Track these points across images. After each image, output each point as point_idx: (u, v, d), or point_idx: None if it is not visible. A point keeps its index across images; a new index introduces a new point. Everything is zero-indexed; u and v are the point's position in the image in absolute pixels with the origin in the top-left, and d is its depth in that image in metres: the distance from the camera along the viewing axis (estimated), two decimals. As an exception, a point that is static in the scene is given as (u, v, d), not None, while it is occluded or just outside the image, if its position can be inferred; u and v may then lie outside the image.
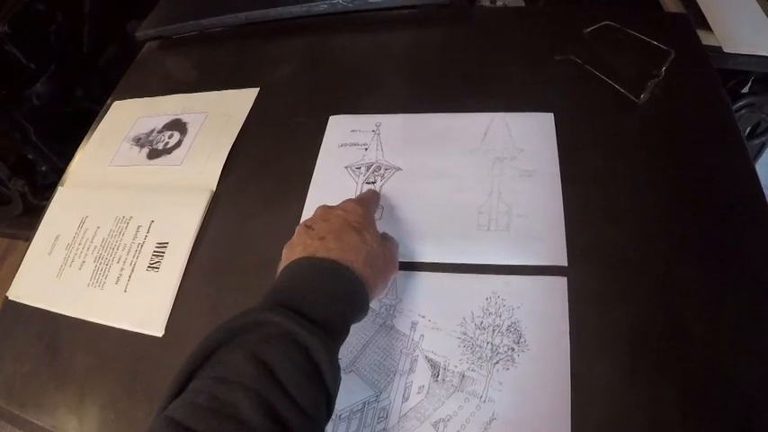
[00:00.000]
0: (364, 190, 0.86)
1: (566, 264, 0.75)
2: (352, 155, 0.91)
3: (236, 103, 1.04)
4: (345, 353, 0.74)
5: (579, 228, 0.78)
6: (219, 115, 1.03)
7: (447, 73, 1.00)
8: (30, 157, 2.01)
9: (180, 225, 0.91)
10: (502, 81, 0.96)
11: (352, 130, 0.94)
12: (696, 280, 0.71)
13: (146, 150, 1.04)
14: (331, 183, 0.89)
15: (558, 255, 0.76)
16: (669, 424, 0.62)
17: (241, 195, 0.92)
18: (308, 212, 0.86)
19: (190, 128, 1.03)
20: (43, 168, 2.01)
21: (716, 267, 0.72)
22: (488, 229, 0.79)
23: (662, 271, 0.73)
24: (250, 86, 1.06)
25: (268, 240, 0.84)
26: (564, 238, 0.77)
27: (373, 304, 0.76)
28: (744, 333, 0.66)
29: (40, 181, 2.04)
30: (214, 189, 0.92)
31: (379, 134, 0.92)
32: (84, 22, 1.97)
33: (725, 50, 1.06)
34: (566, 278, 0.74)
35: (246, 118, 1.00)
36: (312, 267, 0.62)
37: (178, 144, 1.02)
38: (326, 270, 0.61)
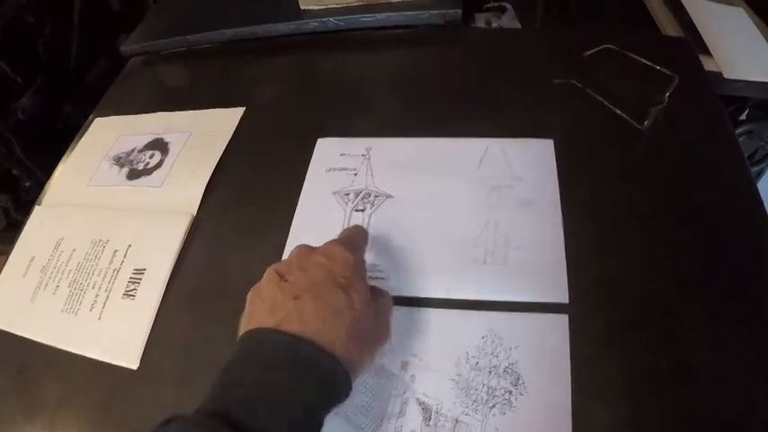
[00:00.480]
0: (352, 219, 0.80)
1: (566, 300, 0.70)
2: (340, 180, 0.85)
3: (221, 123, 0.98)
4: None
5: (580, 262, 0.73)
6: (203, 135, 0.97)
7: (441, 96, 0.94)
8: (14, 172, 1.94)
9: (158, 250, 0.85)
10: (499, 105, 0.91)
11: (341, 154, 0.88)
12: (703, 319, 0.67)
13: (125, 170, 0.98)
14: (317, 209, 0.83)
15: (558, 291, 0.71)
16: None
17: (223, 220, 0.86)
18: (292, 242, 0.80)
19: (172, 147, 0.97)
20: (27, 184, 1.94)
21: (723, 306, 0.67)
22: (485, 263, 0.74)
23: (667, 308, 0.68)
24: (236, 105, 1.00)
25: (250, 269, 0.78)
26: (565, 272, 0.72)
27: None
28: (753, 378, 0.62)
29: (24, 197, 1.97)
30: (195, 213, 0.86)
31: (369, 159, 0.87)
32: (72, 35, 1.91)
33: (725, 76, 1.02)
34: (567, 315, 0.69)
35: (231, 138, 0.95)
36: (278, 350, 0.50)
37: (159, 164, 0.96)
38: (297, 360, 0.49)
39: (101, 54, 2.04)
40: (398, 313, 0.71)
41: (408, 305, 0.72)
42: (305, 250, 0.60)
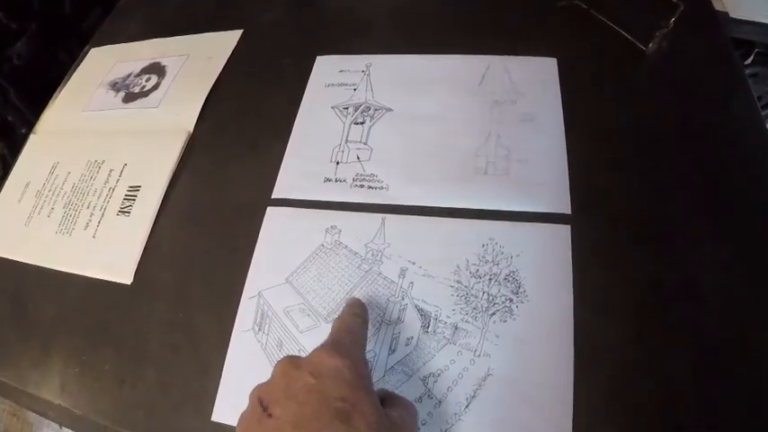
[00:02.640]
0: (352, 131, 0.75)
1: (569, 211, 0.65)
2: (339, 95, 0.80)
3: (219, 46, 0.93)
4: (327, 301, 0.64)
5: (583, 176, 0.67)
6: (200, 58, 0.92)
7: (443, 15, 0.88)
8: (9, 119, 1.87)
9: (153, 168, 0.80)
10: (501, 24, 0.85)
11: (341, 71, 0.83)
12: (707, 237, 0.62)
13: (122, 94, 0.92)
14: (316, 123, 0.78)
15: (560, 202, 0.66)
16: (677, 385, 0.55)
17: (220, 137, 0.81)
18: (290, 155, 0.76)
19: (168, 70, 0.92)
20: (23, 131, 1.87)
21: (728, 225, 0.63)
22: (486, 173, 0.69)
23: (671, 227, 0.63)
24: (234, 28, 0.95)
25: (246, 183, 0.74)
26: (567, 184, 0.67)
27: (358, 248, 0.66)
28: (758, 295, 0.58)
29: (20, 144, 1.89)
30: (191, 130, 0.81)
31: (368, 75, 0.81)
32: (66, -19, 1.82)
33: (731, 16, 0.96)
34: (569, 227, 0.64)
35: (229, 60, 0.89)
36: None
37: (156, 87, 0.91)
38: None
39: (96, 2, 1.96)
40: (397, 222, 0.67)
41: (407, 213, 0.68)
42: (289, 366, 0.44)
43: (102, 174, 0.82)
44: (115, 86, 0.95)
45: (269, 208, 0.71)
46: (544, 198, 0.66)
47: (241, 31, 0.94)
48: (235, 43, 0.92)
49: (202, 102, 0.85)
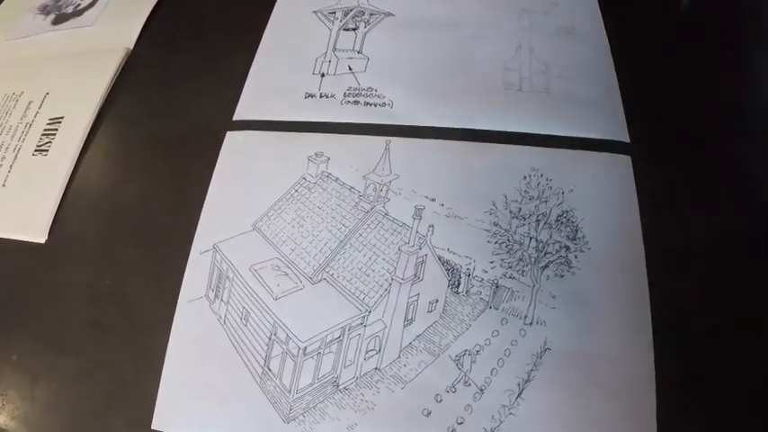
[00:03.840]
0: (341, 39, 0.53)
1: (627, 139, 0.45)
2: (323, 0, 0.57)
3: None
4: (311, 253, 0.41)
5: (639, 99, 0.48)
6: None
7: None
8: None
9: (80, 95, 0.57)
10: None
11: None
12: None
13: (51, 17, 0.69)
14: (293, 30, 0.55)
15: (616, 127, 0.46)
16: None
17: (168, 53, 0.58)
18: (258, 70, 0.53)
19: None
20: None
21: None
22: (520, 90, 0.48)
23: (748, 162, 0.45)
24: None
25: (198, 106, 0.52)
26: (620, 105, 0.47)
27: (354, 180, 0.43)
28: None
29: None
30: (131, 47, 0.59)
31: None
32: None
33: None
34: (629, 157, 0.44)
35: None
36: None
37: (92, 4, 0.67)
38: None
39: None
40: (407, 146, 0.45)
41: (419, 136, 0.45)
42: None
43: (19, 108, 0.59)
44: (45, 9, 0.71)
45: (229, 133, 0.48)
46: (595, 122, 0.46)
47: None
48: None
49: (147, 12, 0.61)
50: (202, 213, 0.44)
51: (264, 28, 0.54)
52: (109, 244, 0.47)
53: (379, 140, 0.45)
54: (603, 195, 0.42)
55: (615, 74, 0.49)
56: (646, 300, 0.38)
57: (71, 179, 0.51)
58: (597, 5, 0.54)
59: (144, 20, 0.60)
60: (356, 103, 0.48)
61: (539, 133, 0.45)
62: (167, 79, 0.54)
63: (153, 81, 0.55)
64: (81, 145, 0.52)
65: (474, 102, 0.47)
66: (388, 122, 0.46)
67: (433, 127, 0.46)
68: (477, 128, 0.45)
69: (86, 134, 0.53)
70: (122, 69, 0.56)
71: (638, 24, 0.52)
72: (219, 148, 0.47)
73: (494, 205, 0.41)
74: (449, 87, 0.48)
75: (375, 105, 0.47)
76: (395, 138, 0.45)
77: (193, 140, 0.49)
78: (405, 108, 0.47)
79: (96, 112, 0.54)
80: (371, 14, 0.54)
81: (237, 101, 0.50)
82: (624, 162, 0.44)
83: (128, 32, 0.60)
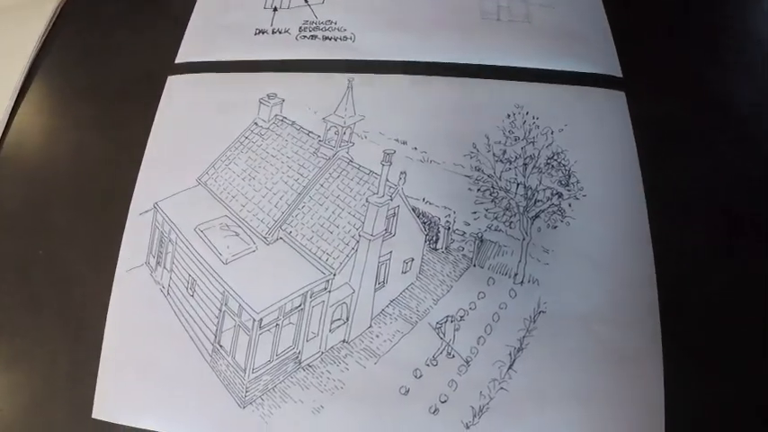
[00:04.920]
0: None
1: (619, 74, 0.36)
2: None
3: None
4: (268, 209, 0.32)
5: (630, 28, 0.39)
6: None
7: None
8: None
9: (9, 51, 0.45)
10: None
11: None
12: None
13: None
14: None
15: (607, 60, 0.37)
16: None
17: (96, 20, 0.45)
18: (203, 6, 0.41)
19: None
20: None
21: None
22: (498, 20, 0.38)
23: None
24: None
25: (136, 50, 0.41)
26: (611, 38, 0.38)
27: (313, 124, 0.34)
28: None
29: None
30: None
31: None
32: None
33: None
34: (623, 93, 0.35)
35: None
36: None
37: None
38: None
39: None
40: (372, 84, 0.35)
41: (386, 72, 0.35)
42: None
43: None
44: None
45: (170, 77, 0.37)
46: (585, 54, 0.37)
47: None
48: None
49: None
50: (141, 169, 0.35)
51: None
52: (41, 210, 0.37)
53: (341, 78, 0.35)
54: (597, 135, 0.34)
55: (602, 4, 0.39)
56: (649, 251, 0.30)
57: (0, 141, 0.40)
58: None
59: None
60: (313, 37, 0.38)
61: (522, 67, 0.36)
62: (103, 23, 0.43)
63: (87, 27, 0.44)
64: (11, 105, 0.41)
65: (447, 33, 0.37)
66: (351, 57, 0.36)
67: (401, 61, 0.36)
68: (452, 61, 0.36)
69: (16, 93, 0.42)
70: (57, 15, 0.45)
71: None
72: (159, 96, 0.37)
73: (474, 148, 0.32)
74: (418, 17, 0.38)
75: (335, 39, 0.37)
76: (358, 75, 0.35)
77: (130, 89, 0.38)
78: (369, 41, 0.37)
79: (27, 69, 0.42)
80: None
81: (180, 42, 0.39)
82: (617, 98, 0.35)
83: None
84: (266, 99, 0.35)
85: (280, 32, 0.38)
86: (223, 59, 0.38)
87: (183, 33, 0.40)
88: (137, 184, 0.34)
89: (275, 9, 0.39)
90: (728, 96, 0.36)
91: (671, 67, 0.37)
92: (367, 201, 0.31)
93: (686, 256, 0.31)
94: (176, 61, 0.39)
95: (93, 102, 0.39)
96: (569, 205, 0.31)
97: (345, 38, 0.37)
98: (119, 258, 0.33)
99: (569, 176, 0.32)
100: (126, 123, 0.38)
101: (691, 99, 0.36)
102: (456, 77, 0.35)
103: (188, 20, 0.40)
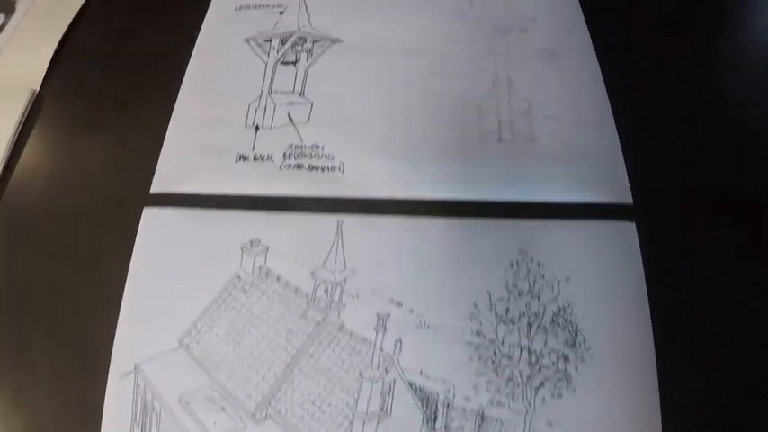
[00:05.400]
0: (279, 75, 0.39)
1: (630, 200, 0.34)
2: (257, 21, 0.43)
3: None
4: (255, 381, 0.30)
5: (640, 141, 0.36)
6: None
7: None
8: None
9: None
10: None
11: (259, -15, 0.45)
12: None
13: None
14: (220, 65, 0.41)
15: (617, 184, 0.35)
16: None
17: (77, 94, 0.43)
18: (180, 115, 0.39)
19: (19, 5, 0.53)
20: None
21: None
22: (500, 140, 0.35)
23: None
24: None
25: (109, 169, 0.37)
26: (621, 155, 0.35)
27: (301, 279, 0.32)
28: None
29: None
30: (37, 89, 0.44)
31: (301, -10, 0.44)
32: None
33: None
34: (633, 224, 0.33)
35: None
36: None
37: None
38: None
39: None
40: (363, 228, 0.32)
41: (376, 212, 0.33)
42: None
43: None
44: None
45: (146, 210, 0.34)
46: (592, 179, 0.35)
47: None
48: None
49: (54, 48, 0.45)
50: (119, 323, 0.32)
51: (188, 63, 0.40)
52: (18, 352, 0.34)
53: (330, 220, 0.33)
54: (605, 280, 0.31)
55: (611, 110, 0.36)
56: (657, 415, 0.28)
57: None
58: (582, 18, 0.41)
59: (51, 55, 0.44)
60: (299, 167, 0.35)
61: (526, 201, 0.33)
62: (76, 128, 0.40)
63: (60, 129, 0.40)
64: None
65: (444, 161, 0.35)
66: (340, 194, 0.34)
67: (394, 200, 0.33)
68: (451, 197, 0.33)
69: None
70: (24, 119, 0.41)
71: (626, 46, 0.40)
72: (136, 231, 0.34)
73: (475, 307, 0.30)
74: (411, 141, 0.36)
75: (322, 170, 0.34)
76: (348, 216, 0.33)
77: (105, 219, 0.35)
78: (359, 174, 0.34)
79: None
80: (315, 42, 0.40)
81: (155, 164, 0.36)
82: (627, 231, 0.32)
83: (34, 70, 0.44)
84: (249, 247, 0.32)
85: (262, 159, 0.35)
86: (202, 192, 0.35)
87: (159, 153, 0.37)
88: (115, 340, 0.32)
89: (257, 128, 0.36)
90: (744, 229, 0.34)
91: (685, 194, 0.35)
92: (360, 374, 0.29)
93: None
94: (152, 190, 0.35)
95: (65, 232, 0.36)
96: (576, 368, 0.29)
97: (333, 168, 0.34)
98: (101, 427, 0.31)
99: (576, 335, 0.30)
100: (101, 258, 0.35)
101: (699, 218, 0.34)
102: (454, 218, 0.33)
103: (164, 135, 0.37)
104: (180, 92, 0.39)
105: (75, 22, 0.47)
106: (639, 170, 0.35)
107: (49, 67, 0.44)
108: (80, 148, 0.39)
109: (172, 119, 0.38)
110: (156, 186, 0.35)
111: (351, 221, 0.33)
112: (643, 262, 0.32)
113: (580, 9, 0.42)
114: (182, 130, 0.37)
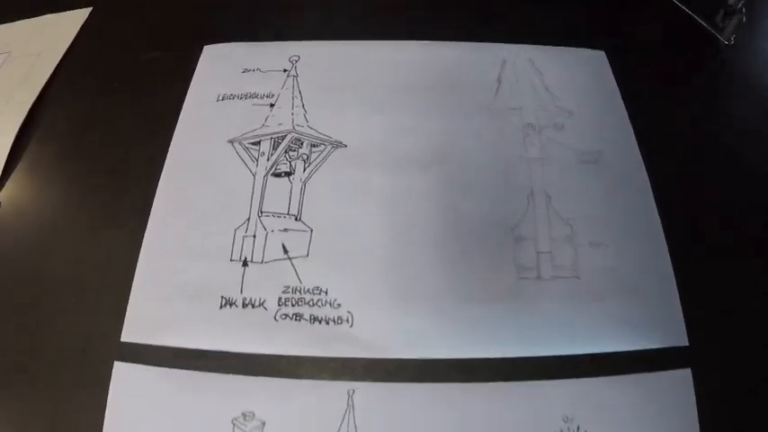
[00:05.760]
0: (269, 192, 0.33)
1: (686, 341, 0.29)
2: (243, 116, 0.36)
3: (53, 35, 0.50)
4: None
5: (692, 267, 0.32)
6: (25, 56, 0.49)
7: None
8: None
9: None
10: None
11: (245, 70, 0.39)
12: None
13: None
14: (200, 174, 0.34)
15: (671, 324, 0.30)
16: None
17: (38, 202, 0.36)
18: (151, 248, 0.32)
19: None
20: None
21: None
22: (539, 277, 0.29)
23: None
24: (80, 6, 0.50)
25: (71, 308, 0.30)
26: (675, 287, 0.30)
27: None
28: None
29: None
30: None
31: (296, 77, 0.38)
32: None
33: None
34: (689, 370, 0.28)
35: (64, 57, 0.45)
36: None
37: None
38: None
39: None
40: (380, 398, 0.26)
41: (394, 378, 0.27)
42: None
43: None
44: None
45: (116, 363, 0.28)
46: (645, 320, 0.30)
47: (89, 10, 0.48)
48: (76, 30, 0.48)
49: (12, 139, 0.39)
50: None
51: (161, 168, 0.34)
52: None
53: (338, 389, 0.26)
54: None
55: (663, 233, 0.31)
56: None
57: None
58: (626, 115, 0.35)
59: (7, 151, 0.37)
60: (298, 317, 0.28)
61: (570, 355, 0.27)
62: (38, 247, 0.33)
63: (18, 246, 0.34)
64: None
65: (473, 310, 0.29)
66: (349, 354, 0.27)
67: (416, 360, 0.27)
68: (480, 356, 0.27)
69: None
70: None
71: (671, 146, 0.34)
72: (107, 387, 0.27)
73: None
74: (433, 282, 0.30)
75: (327, 322, 0.28)
76: (360, 384, 0.26)
77: (70, 371, 0.29)
78: (372, 328, 0.28)
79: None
80: (313, 146, 0.34)
81: (125, 305, 0.30)
82: (682, 381, 0.27)
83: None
84: (241, 421, 0.26)
85: (253, 305, 0.28)
86: (181, 346, 0.28)
87: (129, 292, 0.30)
88: None
89: (245, 263, 0.30)
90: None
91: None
92: None
93: None
94: (122, 338, 0.29)
95: (28, 386, 0.30)
96: None
97: (340, 319, 0.28)
98: None
99: None
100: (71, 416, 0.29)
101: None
102: (489, 382, 0.27)
103: (135, 266, 0.31)
104: (152, 212, 0.32)
105: (42, 97, 0.41)
106: (695, 306, 0.30)
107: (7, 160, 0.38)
108: (40, 262, 0.33)
109: (142, 248, 0.31)
110: (128, 334, 0.29)
111: (364, 390, 0.26)
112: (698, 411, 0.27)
113: (623, 103, 0.37)
114: (154, 263, 0.31)
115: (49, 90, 0.42)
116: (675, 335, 0.29)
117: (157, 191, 0.33)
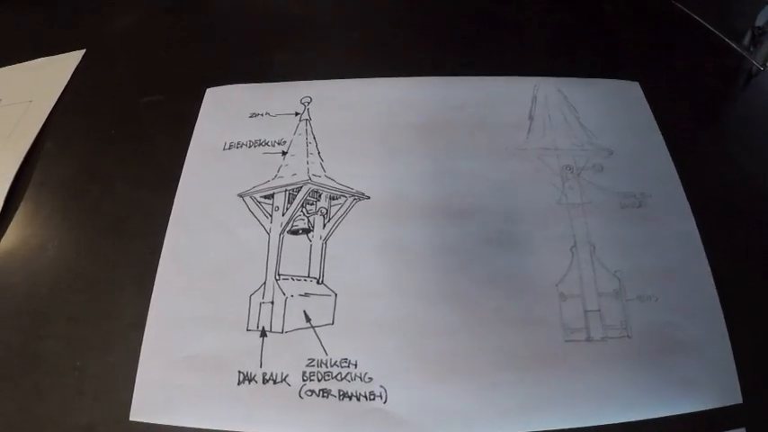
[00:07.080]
0: (286, 252, 0.31)
1: (740, 399, 0.28)
2: (255, 167, 0.35)
3: (45, 80, 0.49)
4: None
5: (744, 317, 0.30)
6: (17, 102, 0.48)
7: (440, 10, 0.45)
8: None
9: None
10: (540, 31, 0.43)
11: (253, 115, 0.37)
12: None
13: None
14: (208, 233, 0.32)
15: (727, 382, 0.28)
16: None
17: (30, 266, 0.34)
18: (159, 317, 0.30)
19: None
20: None
21: None
22: (588, 339, 0.27)
23: None
24: (73, 48, 0.49)
25: (73, 383, 0.28)
26: (728, 339, 0.29)
27: None
28: None
29: None
30: None
31: (309, 120, 0.37)
32: None
33: None
34: (743, 429, 0.27)
35: (57, 103, 0.44)
36: None
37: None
38: None
39: None
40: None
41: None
42: None
43: None
44: None
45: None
46: (699, 379, 0.28)
47: (82, 52, 0.47)
48: (70, 74, 0.47)
49: (4, 195, 0.37)
50: None
51: (167, 224, 0.32)
52: None
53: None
54: None
55: (713, 281, 0.29)
56: None
57: None
58: (666, 151, 0.34)
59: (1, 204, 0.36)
60: (325, 393, 0.26)
61: (622, 423, 0.25)
62: (31, 322, 0.31)
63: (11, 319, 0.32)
64: None
65: (517, 382, 0.27)
66: (383, 434, 0.25)
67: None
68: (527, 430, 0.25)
69: None
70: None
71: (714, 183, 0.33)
72: None
73: None
74: (472, 350, 0.27)
75: (357, 398, 0.26)
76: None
77: None
78: (408, 404, 0.26)
79: None
80: (333, 198, 0.32)
81: (132, 381, 0.27)
82: None
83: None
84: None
85: (274, 381, 0.26)
86: (194, 427, 0.26)
87: (137, 365, 0.28)
88: None
89: (264, 333, 0.28)
90: None
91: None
92: None
93: None
94: (131, 417, 0.27)
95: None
96: None
97: (372, 395, 0.26)
98: None
99: None
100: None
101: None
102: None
103: (141, 336, 0.29)
104: (156, 276, 0.30)
105: (35, 147, 0.40)
106: (750, 362, 0.28)
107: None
108: (38, 344, 0.31)
109: (149, 316, 0.29)
110: (136, 412, 0.27)
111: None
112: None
113: (662, 139, 0.35)
114: (163, 333, 0.29)
115: (42, 140, 0.41)
116: (730, 393, 0.27)
117: (162, 251, 0.31)
